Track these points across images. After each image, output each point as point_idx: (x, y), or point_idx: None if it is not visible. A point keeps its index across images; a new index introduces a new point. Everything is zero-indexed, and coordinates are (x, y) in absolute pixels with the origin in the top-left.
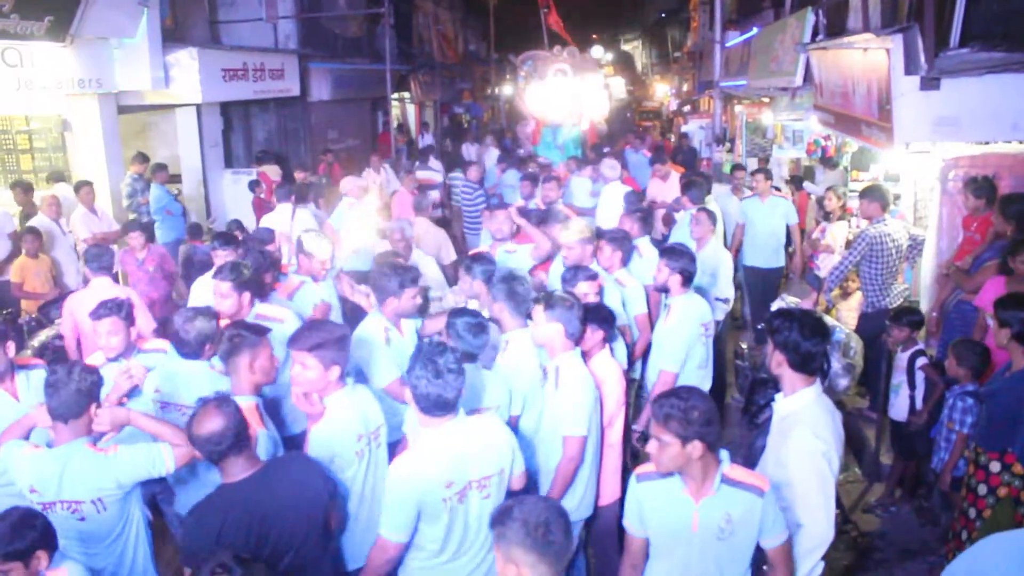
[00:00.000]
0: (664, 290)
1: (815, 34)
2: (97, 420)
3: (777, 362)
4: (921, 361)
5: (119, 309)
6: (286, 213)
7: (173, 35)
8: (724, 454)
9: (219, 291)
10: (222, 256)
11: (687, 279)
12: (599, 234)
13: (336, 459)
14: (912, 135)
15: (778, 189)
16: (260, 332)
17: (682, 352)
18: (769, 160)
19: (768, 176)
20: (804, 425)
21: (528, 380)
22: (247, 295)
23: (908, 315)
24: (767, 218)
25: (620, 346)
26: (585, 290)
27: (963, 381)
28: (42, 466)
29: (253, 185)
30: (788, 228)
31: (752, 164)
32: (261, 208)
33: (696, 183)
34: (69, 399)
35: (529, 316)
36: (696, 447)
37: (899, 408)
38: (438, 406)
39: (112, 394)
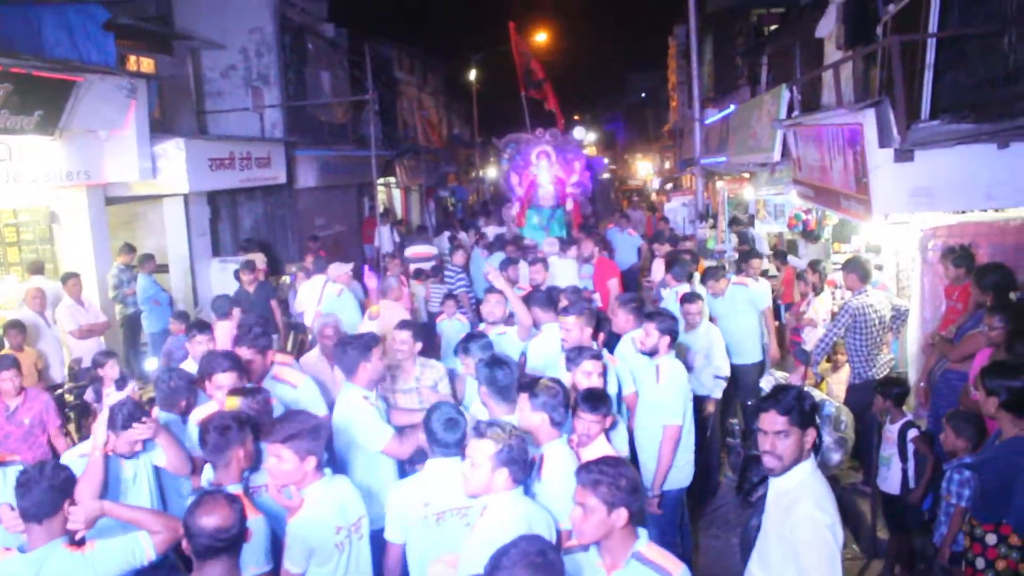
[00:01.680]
0: (653, 353)
1: (790, 110)
2: (72, 517)
3: (810, 442)
4: (912, 433)
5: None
6: (318, 284)
7: (160, 126)
8: (643, 532)
9: (245, 355)
10: (201, 342)
11: (673, 339)
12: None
13: (315, 553)
14: (889, 206)
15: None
16: (244, 422)
17: (681, 405)
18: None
19: (718, 276)
20: (807, 498)
21: None
22: (270, 354)
23: (892, 386)
24: (727, 312)
25: (621, 431)
26: (589, 369)
27: (960, 453)
28: (15, 571)
29: (239, 273)
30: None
31: (735, 240)
32: None
33: (680, 260)
34: (42, 498)
35: (515, 401)
36: (621, 515)
37: (891, 481)
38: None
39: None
